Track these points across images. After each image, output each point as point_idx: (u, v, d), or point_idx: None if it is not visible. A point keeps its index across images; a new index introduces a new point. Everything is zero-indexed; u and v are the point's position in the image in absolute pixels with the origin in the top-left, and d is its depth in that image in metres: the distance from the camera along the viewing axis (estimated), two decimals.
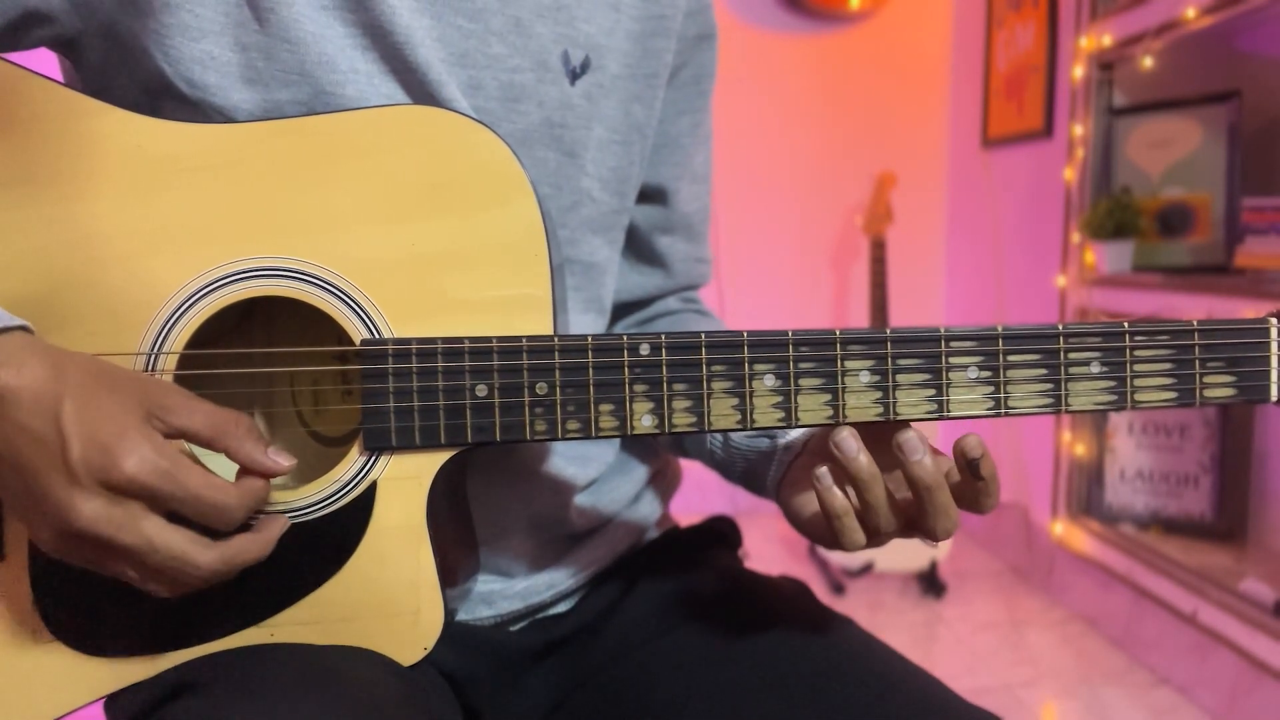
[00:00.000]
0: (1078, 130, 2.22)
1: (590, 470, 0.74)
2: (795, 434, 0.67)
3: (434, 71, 0.62)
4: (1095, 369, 0.57)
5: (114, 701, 0.63)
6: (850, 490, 0.58)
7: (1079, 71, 2.21)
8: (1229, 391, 0.57)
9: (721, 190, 2.64)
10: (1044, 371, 0.57)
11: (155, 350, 0.58)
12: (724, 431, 0.64)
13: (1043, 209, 2.41)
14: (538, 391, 0.57)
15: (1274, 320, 0.57)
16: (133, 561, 0.52)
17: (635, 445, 0.81)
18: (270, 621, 0.58)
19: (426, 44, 0.62)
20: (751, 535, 0.93)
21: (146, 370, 0.58)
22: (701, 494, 1.65)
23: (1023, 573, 2.50)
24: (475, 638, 0.71)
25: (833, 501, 0.57)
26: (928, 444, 0.57)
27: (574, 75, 0.68)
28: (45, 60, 0.64)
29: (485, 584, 0.72)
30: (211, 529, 0.53)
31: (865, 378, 0.57)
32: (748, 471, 0.71)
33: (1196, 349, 0.57)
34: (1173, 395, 0.57)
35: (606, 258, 0.74)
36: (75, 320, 0.58)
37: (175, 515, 0.52)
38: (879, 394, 0.57)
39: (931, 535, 0.58)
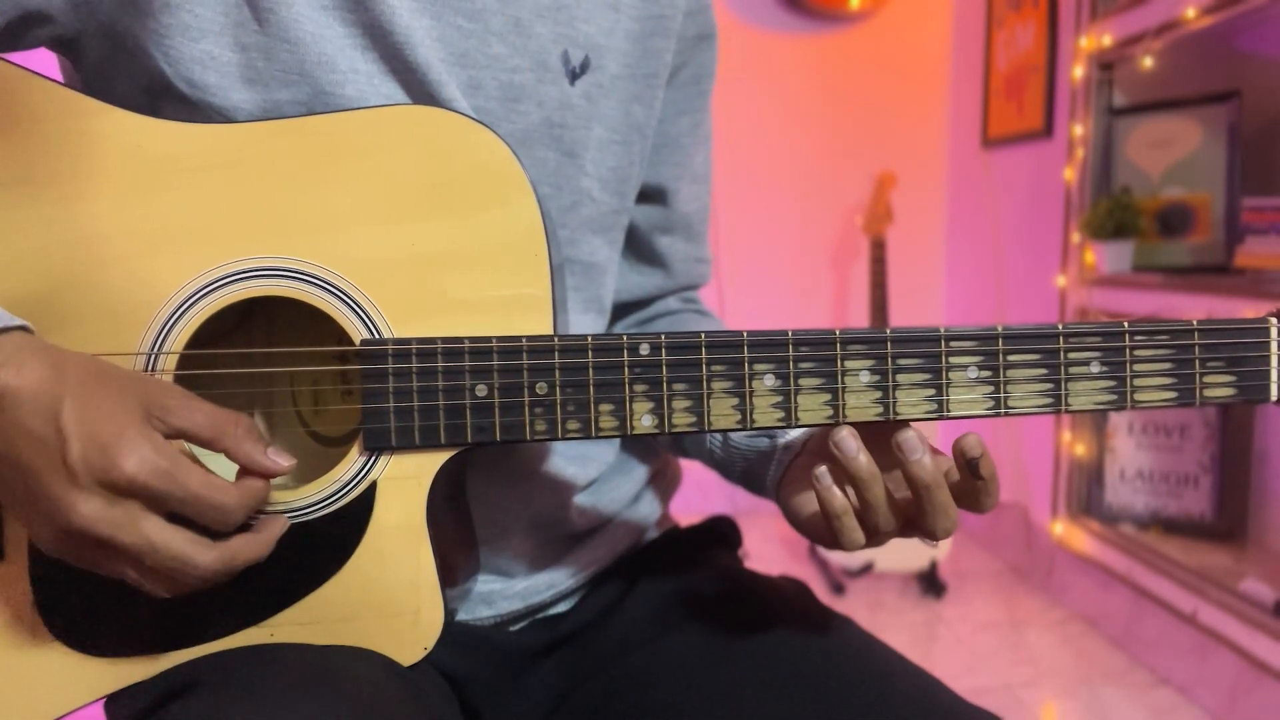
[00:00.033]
0: (1078, 130, 2.22)
1: (590, 470, 0.74)
2: (795, 433, 0.67)
3: (434, 71, 0.62)
4: (1095, 369, 0.57)
5: (114, 701, 0.63)
6: (849, 490, 0.58)
7: (1079, 71, 2.21)
8: (1229, 391, 0.57)
9: (721, 190, 2.64)
10: (1044, 371, 0.57)
11: (155, 350, 0.58)
12: (724, 431, 0.64)
13: (1043, 209, 2.41)
14: (538, 391, 0.57)
15: (1274, 320, 0.57)
16: (132, 562, 0.52)
17: (635, 445, 0.81)
18: (270, 621, 0.58)
19: (426, 44, 0.62)
20: (751, 535, 0.93)
21: (146, 370, 0.58)
22: (701, 494, 1.65)
23: (1023, 573, 2.50)
24: (475, 638, 0.71)
25: (832, 501, 0.57)
26: (927, 443, 0.57)
27: (574, 75, 0.68)
28: (45, 60, 0.64)
29: (485, 584, 0.72)
30: (211, 529, 0.53)
31: (865, 377, 0.57)
32: (747, 471, 0.71)
33: (1196, 349, 0.57)
34: (1173, 395, 0.57)
35: (606, 258, 0.74)
36: (75, 320, 0.58)
37: (175, 515, 0.52)
38: (879, 394, 0.57)
39: (931, 535, 0.58)
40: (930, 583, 2.35)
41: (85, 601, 0.57)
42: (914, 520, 0.59)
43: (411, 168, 0.58)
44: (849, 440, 0.56)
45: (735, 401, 0.57)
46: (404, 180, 0.58)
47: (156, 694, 0.57)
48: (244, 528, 0.55)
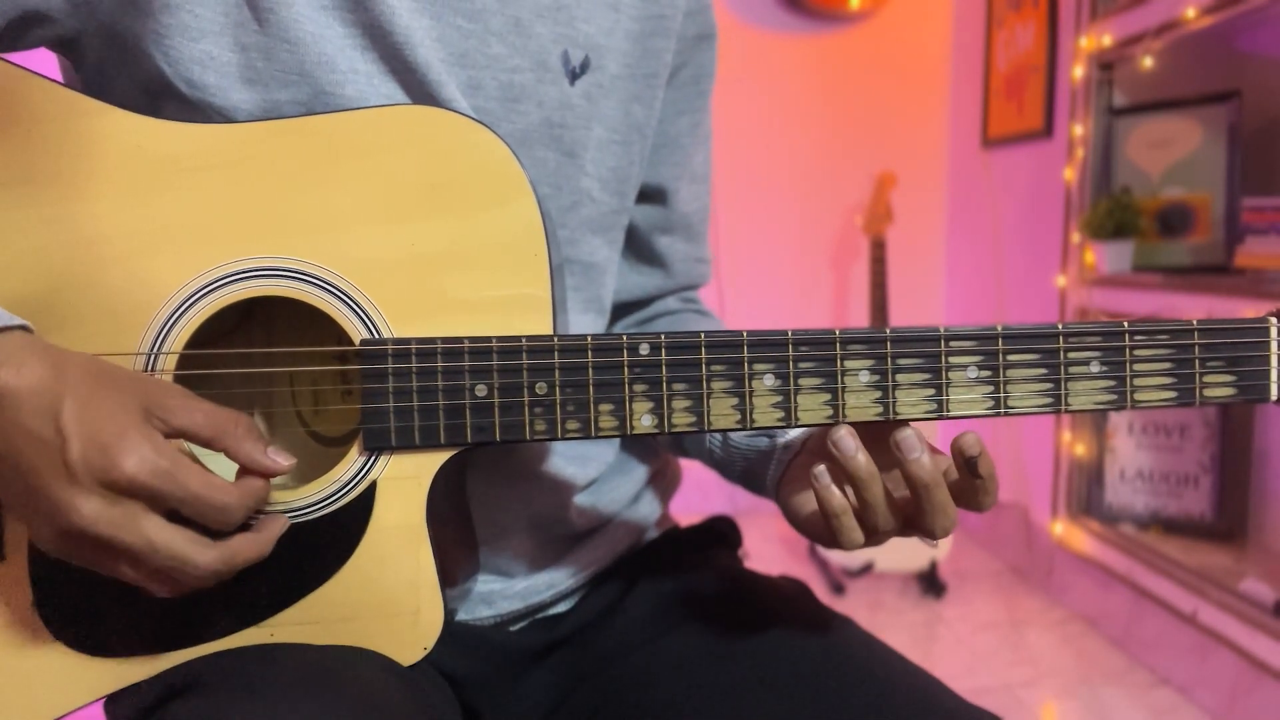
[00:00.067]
0: (1078, 130, 2.22)
1: (590, 470, 0.74)
2: (794, 433, 0.68)
3: (433, 71, 0.62)
4: (1095, 368, 0.57)
5: (114, 701, 0.63)
6: (848, 489, 0.58)
7: (1079, 71, 2.21)
8: (1229, 391, 0.57)
9: (721, 190, 2.65)
10: (1044, 371, 0.57)
11: (155, 350, 0.58)
12: (723, 431, 0.64)
13: (1043, 209, 2.41)
14: (537, 391, 0.57)
15: (1274, 320, 0.57)
16: (132, 561, 0.52)
17: (635, 445, 0.81)
18: (270, 621, 0.58)
19: (426, 44, 0.62)
20: (751, 535, 0.93)
21: (146, 370, 0.58)
22: (701, 494, 1.65)
23: (1023, 573, 2.50)
24: (475, 638, 0.71)
25: (831, 500, 0.57)
26: (925, 442, 0.57)
27: (573, 75, 0.68)
28: (45, 60, 0.64)
29: (485, 584, 0.72)
30: (211, 529, 0.53)
31: (865, 377, 0.57)
32: (747, 471, 0.71)
33: (1196, 348, 0.57)
34: (1173, 395, 0.57)
35: (606, 258, 0.74)
36: (75, 320, 0.58)
37: (175, 515, 0.52)
38: (879, 394, 0.57)
39: (930, 534, 0.58)
40: (930, 583, 2.35)
41: (85, 601, 0.57)
42: (913, 519, 0.59)
43: (411, 168, 0.58)
44: (847, 439, 0.56)
45: (735, 401, 0.57)
46: (404, 180, 0.58)
47: (156, 694, 0.57)
48: (244, 527, 0.55)
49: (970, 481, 0.56)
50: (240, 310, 0.60)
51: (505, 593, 0.72)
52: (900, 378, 0.57)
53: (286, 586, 0.58)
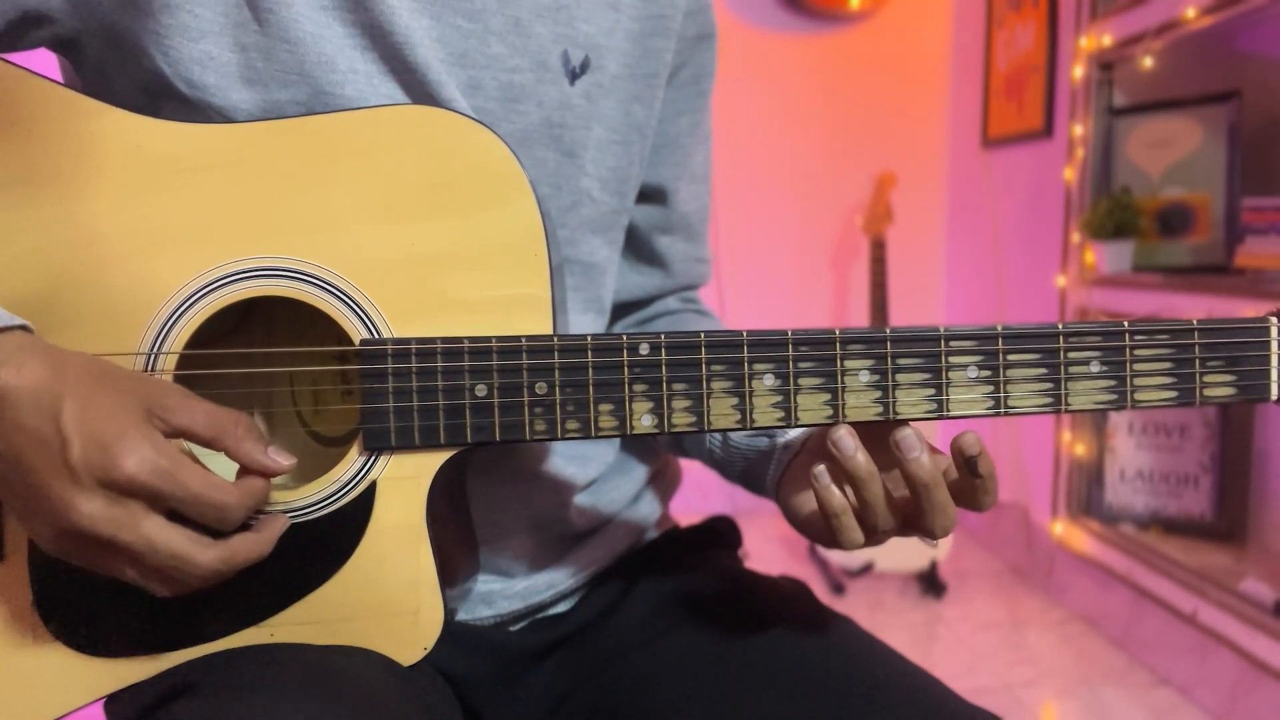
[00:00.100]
0: (1078, 130, 2.22)
1: (590, 470, 0.74)
2: (794, 433, 0.67)
3: (433, 71, 0.62)
4: (1095, 368, 0.57)
5: (114, 701, 0.63)
6: (848, 489, 0.58)
7: (1079, 71, 2.21)
8: (1229, 391, 0.57)
9: (721, 190, 2.65)
10: (1044, 371, 0.57)
11: (155, 350, 0.58)
12: (723, 431, 0.64)
13: (1043, 209, 2.41)
14: (537, 391, 0.57)
15: (1274, 319, 0.57)
16: (132, 561, 0.52)
17: (635, 445, 0.81)
18: (270, 621, 0.58)
19: (426, 44, 0.62)
20: (751, 535, 0.93)
21: (146, 370, 0.58)
22: (701, 494, 1.65)
23: (1023, 573, 2.50)
24: (475, 638, 0.71)
25: (830, 500, 0.57)
26: (925, 442, 0.57)
27: (573, 75, 0.68)
28: (45, 60, 0.65)
29: (485, 584, 0.72)
30: (211, 529, 0.53)
31: (865, 377, 0.57)
32: (747, 471, 0.71)
33: (1196, 348, 0.57)
34: (1173, 395, 0.57)
35: (606, 258, 0.74)
36: (75, 320, 0.58)
37: (175, 515, 0.52)
38: (879, 393, 0.57)
39: (929, 533, 0.58)
40: (930, 583, 2.35)
41: (85, 601, 0.57)
42: (912, 519, 0.59)
43: (411, 168, 0.58)
44: (847, 439, 0.56)
45: (735, 401, 0.57)
46: (404, 180, 0.58)
47: (156, 694, 0.57)
48: (244, 527, 0.55)
49: (970, 481, 0.56)
50: (240, 310, 0.60)
51: (505, 593, 0.72)
52: (900, 377, 0.57)
53: (286, 586, 0.58)
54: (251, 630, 0.58)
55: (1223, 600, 1.77)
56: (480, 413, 0.57)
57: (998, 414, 0.57)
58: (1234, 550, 1.99)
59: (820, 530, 0.61)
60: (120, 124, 0.58)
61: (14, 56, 0.60)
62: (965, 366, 0.57)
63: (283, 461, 0.55)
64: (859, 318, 2.87)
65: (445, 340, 0.57)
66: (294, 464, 0.55)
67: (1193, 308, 1.82)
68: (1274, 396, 0.57)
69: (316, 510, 0.58)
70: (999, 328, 0.56)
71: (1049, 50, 2.37)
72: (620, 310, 0.84)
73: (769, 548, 2.62)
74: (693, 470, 0.83)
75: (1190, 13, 1.83)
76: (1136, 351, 0.57)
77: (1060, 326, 0.56)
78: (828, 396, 0.57)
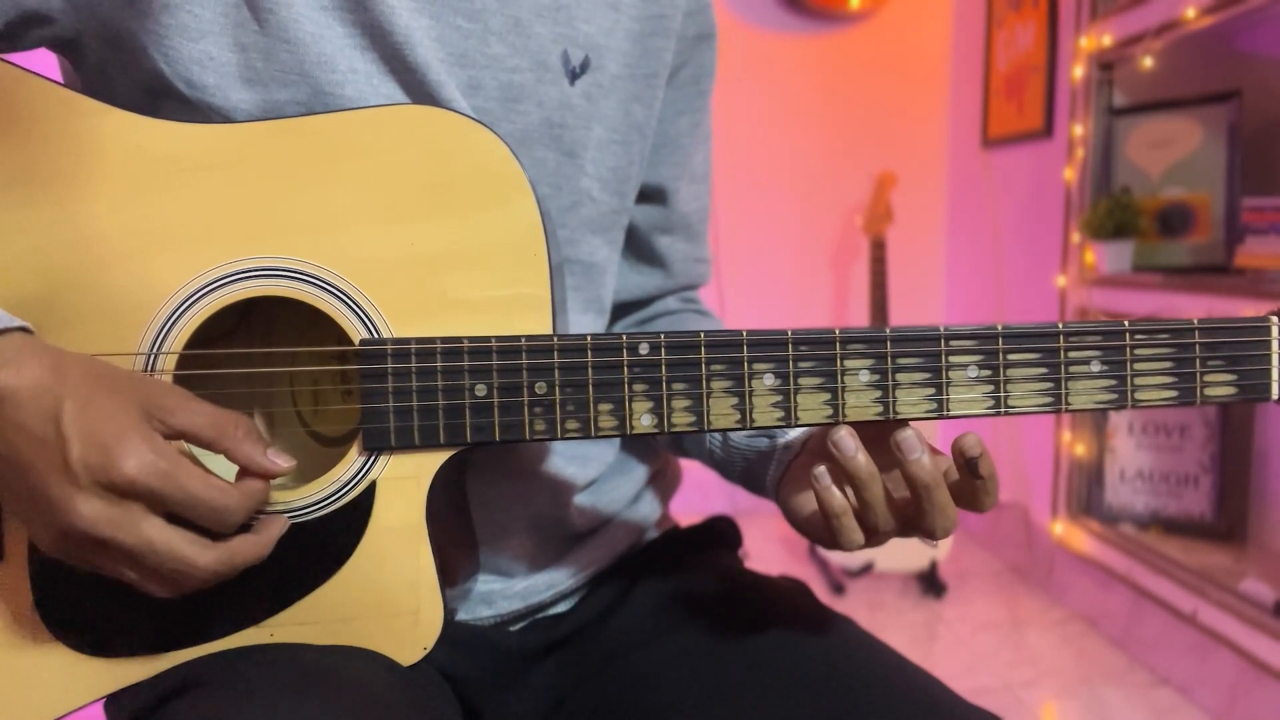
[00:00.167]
0: (1078, 130, 2.22)
1: (590, 470, 0.74)
2: (794, 433, 0.67)
3: (433, 71, 0.62)
4: (1095, 368, 0.57)
5: (114, 701, 0.63)
6: (848, 489, 0.58)
7: (1079, 71, 2.21)
8: (1230, 390, 0.57)
9: (721, 190, 2.65)
10: (1044, 370, 0.57)
11: (154, 350, 0.58)
12: (723, 431, 0.64)
13: (1043, 209, 2.41)
14: (537, 391, 0.57)
15: (1274, 319, 0.57)
16: (132, 562, 0.52)
17: (635, 445, 0.81)
18: (270, 622, 0.58)
19: (425, 44, 0.62)
20: (751, 535, 0.93)
21: (146, 370, 0.58)
22: (701, 494, 1.65)
23: (1023, 573, 2.50)
24: (475, 638, 0.71)
25: (831, 500, 0.57)
26: (926, 442, 0.57)
27: (573, 75, 0.68)
28: (45, 60, 0.64)
29: (485, 584, 0.72)
30: (211, 530, 0.53)
31: (865, 377, 0.57)
32: (747, 471, 0.71)
33: (1197, 347, 0.57)
34: (1173, 394, 0.57)
35: (606, 258, 0.74)
36: (75, 320, 0.58)
37: (175, 516, 0.52)
38: (879, 393, 0.57)
39: (930, 534, 0.58)
40: (930, 583, 2.35)
41: (85, 602, 0.57)
42: (913, 520, 0.58)
43: (411, 168, 0.58)
44: (847, 440, 0.56)
45: (735, 401, 0.57)
46: (403, 180, 0.58)
47: (156, 694, 0.57)
48: (244, 528, 0.55)
49: (971, 482, 0.56)
50: (240, 310, 0.60)
51: (505, 593, 0.72)
52: (900, 377, 0.57)
53: (286, 587, 0.58)
54: (251, 630, 0.58)
55: (1223, 600, 1.77)
56: (480, 413, 0.57)
57: (998, 414, 0.57)
58: (1234, 550, 1.99)
59: (820, 531, 0.61)
60: (120, 124, 0.58)
61: (14, 56, 0.60)
62: (965, 366, 0.57)
63: (282, 463, 0.55)
64: (859, 318, 2.87)
65: (445, 340, 0.57)
66: (294, 465, 0.55)
67: (1193, 308, 1.82)
68: (1274, 396, 0.57)
69: (316, 510, 0.58)
70: (999, 327, 0.56)
71: (1049, 50, 2.37)
72: (620, 310, 0.84)
73: (769, 548, 2.62)
74: (693, 470, 0.83)
75: (1190, 13, 1.83)
76: (1137, 351, 0.57)
77: (1060, 326, 0.56)
78: (828, 396, 0.57)
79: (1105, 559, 2.13)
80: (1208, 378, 0.57)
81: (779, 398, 0.57)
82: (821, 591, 2.33)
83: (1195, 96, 2.09)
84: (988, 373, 0.57)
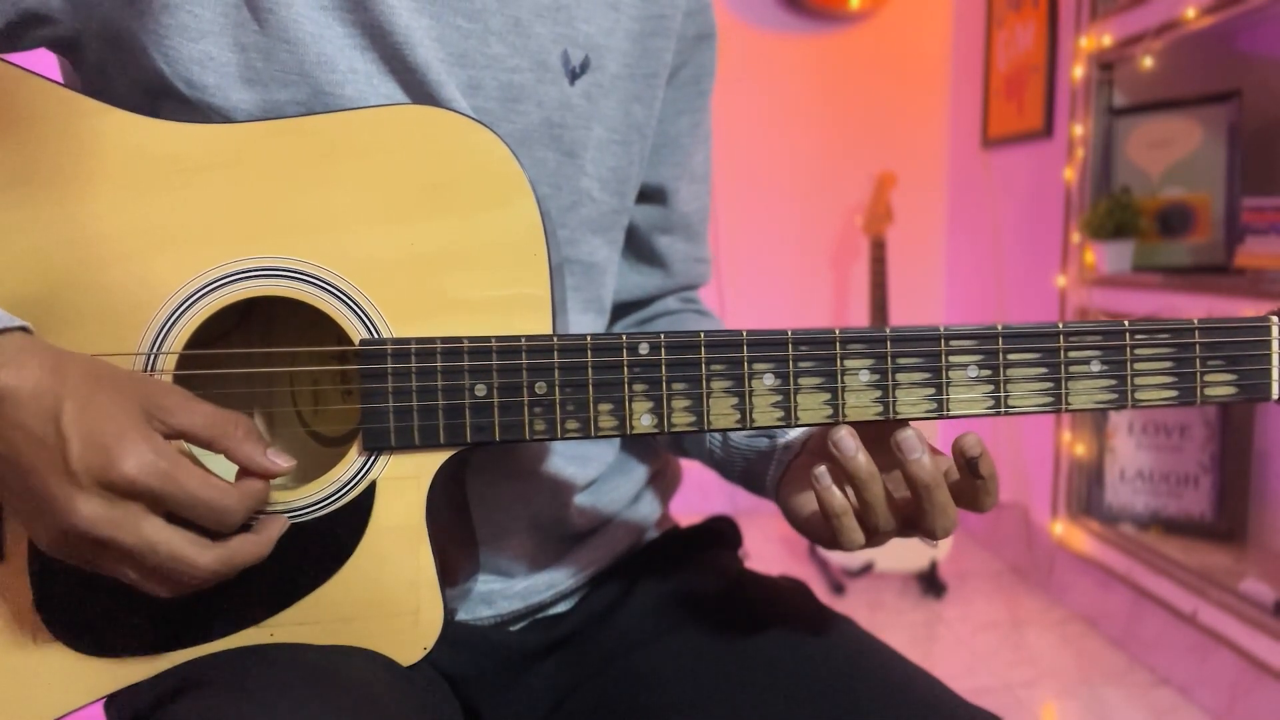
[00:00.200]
0: (1078, 130, 2.22)
1: (590, 470, 0.74)
2: (794, 433, 0.67)
3: (433, 71, 0.62)
4: (1095, 367, 0.57)
5: (114, 701, 0.63)
6: (849, 489, 0.58)
7: (1079, 71, 2.21)
8: (1230, 390, 0.57)
9: (721, 190, 2.65)
10: (1044, 370, 0.57)
11: (155, 350, 0.58)
12: (723, 431, 0.64)
13: (1043, 209, 2.41)
14: (537, 391, 0.57)
15: (1275, 319, 0.57)
16: (132, 562, 0.52)
17: (635, 445, 0.81)
18: (270, 621, 0.58)
19: (425, 44, 0.62)
20: (751, 535, 0.93)
21: (146, 370, 0.58)
22: (701, 494, 1.65)
23: (1023, 573, 2.50)
24: (475, 638, 0.71)
25: (831, 500, 0.57)
26: (926, 443, 0.57)
27: (573, 75, 0.68)
28: (45, 60, 0.64)
29: (485, 584, 0.72)
30: (211, 530, 0.53)
31: (865, 377, 0.57)
32: (747, 471, 0.71)
33: (1197, 347, 0.57)
34: (1173, 394, 0.57)
35: (606, 258, 0.74)
36: (75, 320, 0.58)
37: (174, 516, 0.52)
38: (879, 393, 0.57)
39: (930, 534, 0.58)
40: (930, 583, 2.35)
41: (85, 601, 0.57)
42: (913, 520, 0.58)
43: (411, 168, 0.58)
44: (847, 440, 0.56)
45: (735, 401, 0.57)
46: (403, 180, 0.58)
47: (156, 694, 0.57)
48: (244, 528, 0.55)
49: (971, 482, 0.56)
50: (240, 310, 0.60)
51: (505, 593, 0.72)
52: (900, 377, 0.57)
53: (286, 587, 0.58)
54: (251, 630, 0.58)
55: (1223, 600, 1.77)
56: (480, 413, 0.57)
57: (998, 414, 0.57)
58: (1234, 550, 1.99)
59: (821, 531, 0.61)
60: (120, 124, 0.58)
61: (14, 56, 0.60)
62: (965, 366, 0.57)
63: (282, 463, 0.55)
64: (859, 318, 2.87)
65: (445, 340, 0.57)
66: (293, 465, 0.55)
67: (1193, 308, 1.82)
68: (1274, 396, 0.57)
69: (316, 510, 0.58)
70: (999, 327, 0.56)
71: (1049, 50, 2.37)
72: (620, 310, 0.84)
73: (769, 548, 2.62)
74: (693, 470, 0.83)
75: (1190, 13, 1.83)
76: (1137, 351, 0.57)
77: (1060, 326, 0.56)
78: (828, 396, 0.57)
79: (1105, 559, 2.13)
80: (1208, 378, 0.57)
81: (779, 398, 0.57)
82: (821, 591, 2.34)
83: (1195, 96, 2.09)
84: (988, 373, 0.57)
